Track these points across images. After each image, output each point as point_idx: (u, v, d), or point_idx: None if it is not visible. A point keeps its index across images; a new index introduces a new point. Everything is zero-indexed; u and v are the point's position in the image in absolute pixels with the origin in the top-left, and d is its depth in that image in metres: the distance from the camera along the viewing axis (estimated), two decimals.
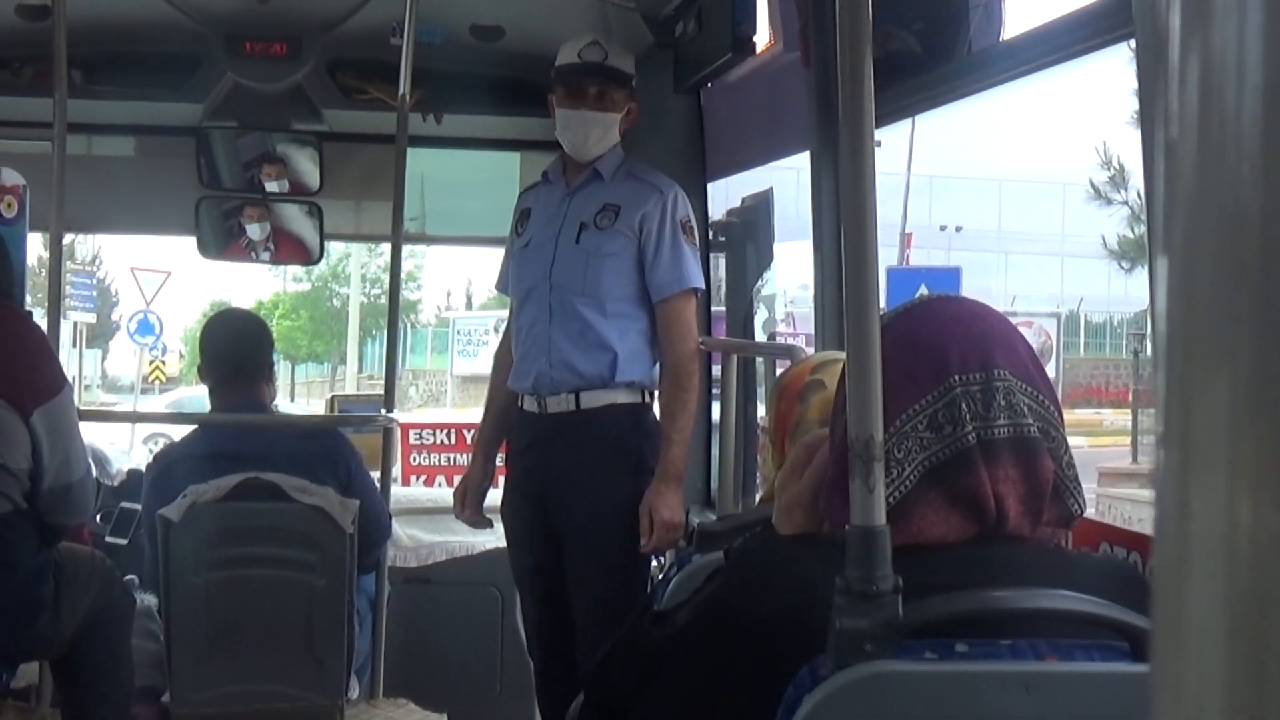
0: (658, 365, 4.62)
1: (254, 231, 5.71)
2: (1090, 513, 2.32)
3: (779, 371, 3.74)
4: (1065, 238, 36.84)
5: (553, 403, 4.55)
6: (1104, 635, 1.74)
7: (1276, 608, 0.46)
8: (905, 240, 30.94)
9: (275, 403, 4.98)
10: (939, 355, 1.87)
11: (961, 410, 1.84)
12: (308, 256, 6.00)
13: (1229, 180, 0.47)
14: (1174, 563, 0.49)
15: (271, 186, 5.68)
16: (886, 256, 27.06)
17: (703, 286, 4.63)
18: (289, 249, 5.84)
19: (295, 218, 5.77)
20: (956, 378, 1.85)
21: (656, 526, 4.40)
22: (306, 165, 5.69)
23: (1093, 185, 22.65)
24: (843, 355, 2.15)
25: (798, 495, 2.02)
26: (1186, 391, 0.49)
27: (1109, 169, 22.34)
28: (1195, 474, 0.48)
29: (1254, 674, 0.46)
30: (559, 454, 4.53)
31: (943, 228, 37.12)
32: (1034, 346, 2.03)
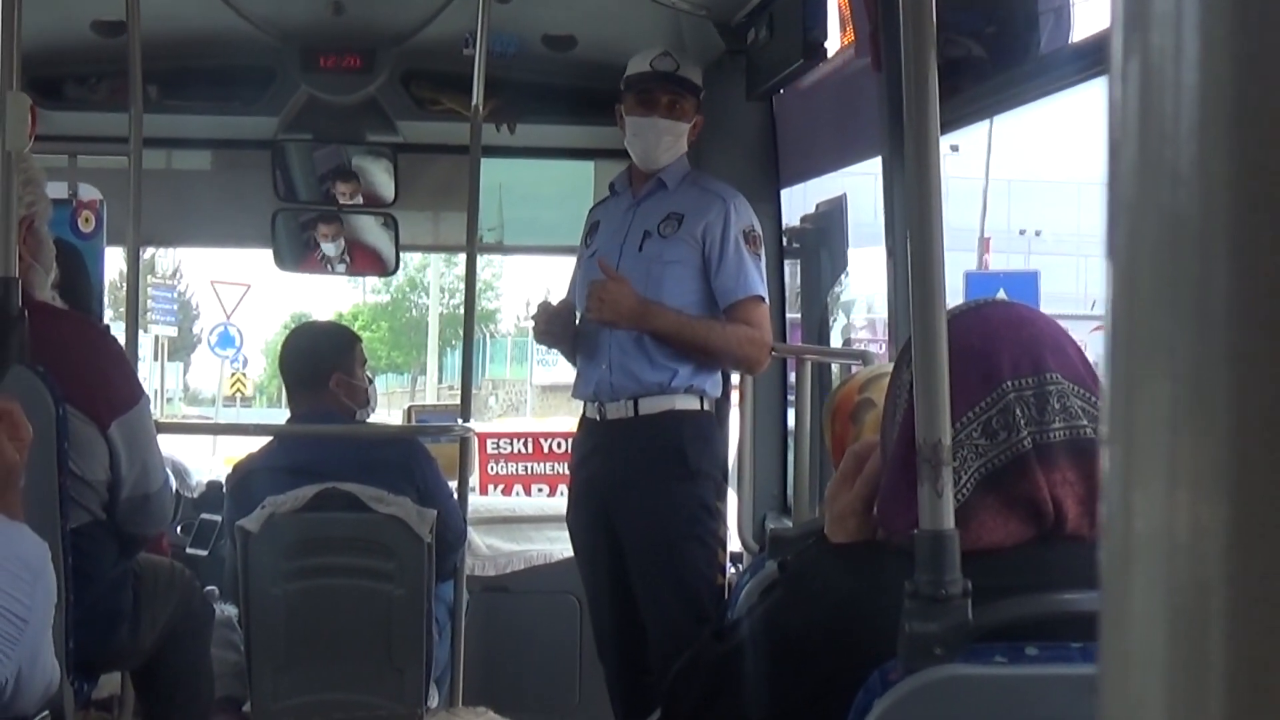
0: (719, 373, 4.62)
1: (330, 249, 5.75)
2: None
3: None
4: None
5: (612, 409, 4.56)
6: None
7: (1214, 602, 0.46)
8: (984, 245, 30.77)
9: (365, 413, 4.99)
10: (990, 361, 1.85)
11: (1015, 415, 1.82)
12: (383, 268, 6.04)
13: (1167, 183, 0.47)
14: (1118, 558, 0.49)
15: (346, 201, 5.72)
16: (965, 261, 26.93)
17: (765, 294, 4.62)
18: (364, 260, 5.88)
19: (371, 229, 5.81)
20: (1009, 383, 1.84)
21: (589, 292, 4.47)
22: (381, 177, 5.72)
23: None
24: (888, 369, 2.14)
25: (850, 504, 2.00)
26: (1130, 392, 0.49)
27: None
28: (1137, 472, 0.49)
29: (1193, 664, 0.47)
30: (618, 462, 4.53)
31: (1021, 232, 36.86)
32: None
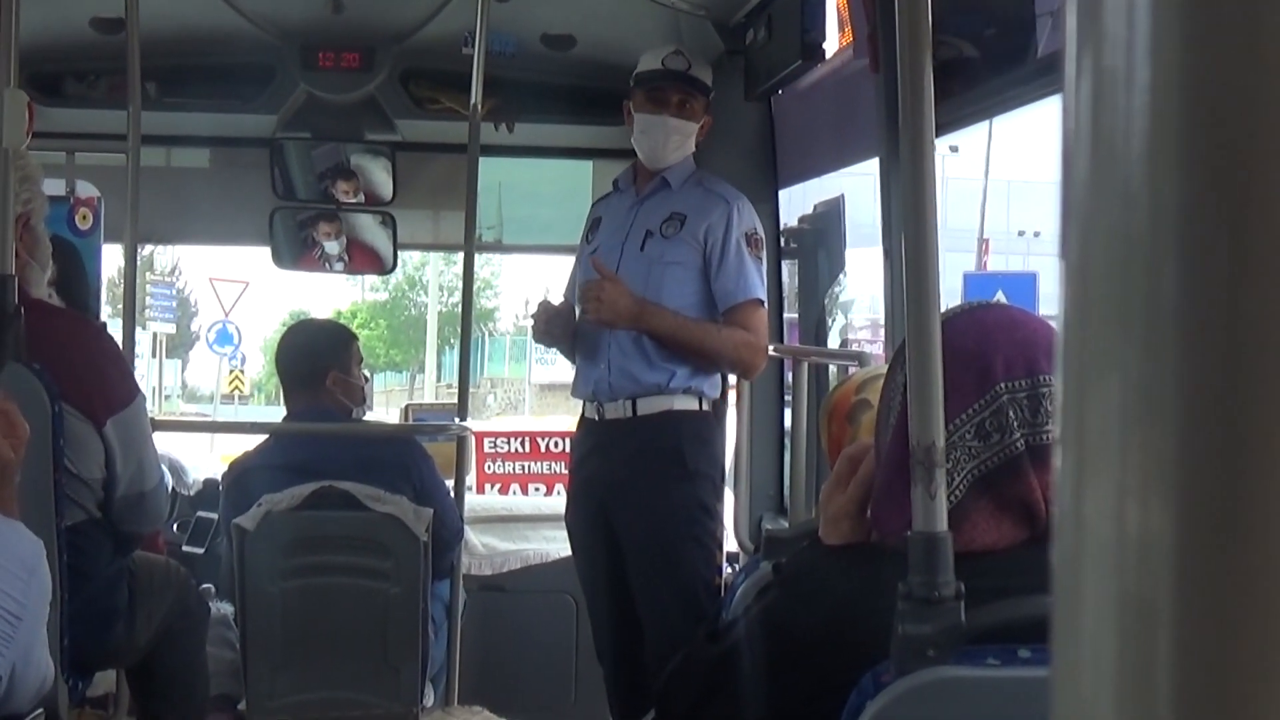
0: (717, 375, 4.62)
1: (331, 247, 5.75)
2: None
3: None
4: None
5: (610, 409, 4.56)
6: None
7: (1163, 604, 0.47)
8: (983, 246, 30.79)
9: (361, 411, 4.99)
10: (984, 363, 1.85)
11: (1009, 417, 1.83)
12: (381, 266, 6.04)
13: (1118, 191, 0.48)
14: (1069, 561, 0.50)
15: (344, 199, 5.72)
16: (964, 262, 26.96)
17: (764, 298, 4.61)
18: (363, 259, 5.88)
19: (369, 227, 5.81)
20: (1003, 385, 1.84)
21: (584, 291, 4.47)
22: (380, 175, 5.72)
23: None
24: (884, 370, 2.13)
25: (844, 505, 2.00)
26: (1081, 396, 0.50)
27: None
28: (1088, 476, 0.49)
29: (1142, 667, 0.47)
30: (616, 462, 4.53)
31: (1020, 233, 36.86)
32: None
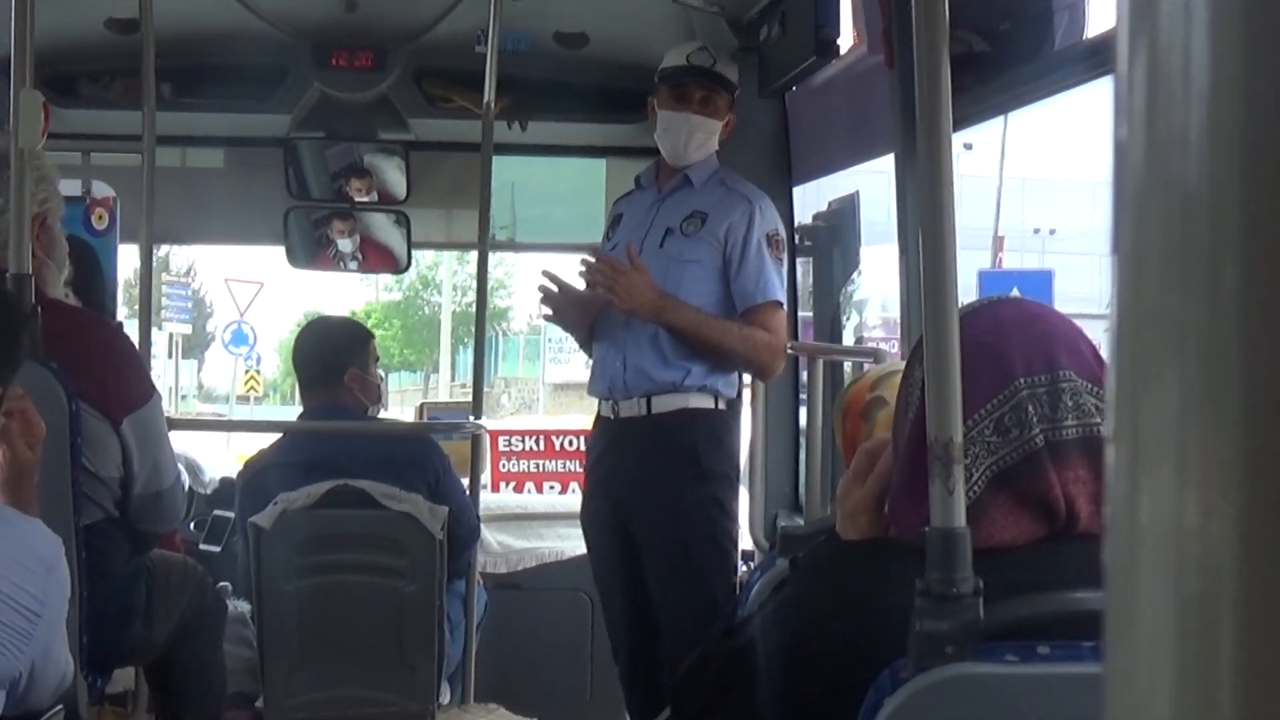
0: (734, 374, 4.60)
1: (345, 245, 5.76)
2: None
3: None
4: None
5: (625, 407, 4.55)
6: None
7: (1224, 596, 0.46)
8: (998, 243, 30.73)
9: (377, 410, 4.99)
10: (1002, 359, 1.85)
11: (1028, 413, 1.82)
12: (395, 265, 6.05)
13: (1177, 188, 0.48)
14: (1124, 557, 0.49)
15: (358, 198, 5.73)
16: (979, 260, 26.90)
17: (784, 300, 4.60)
18: (376, 258, 5.89)
19: (383, 226, 5.81)
20: (1021, 380, 1.84)
21: (611, 266, 4.42)
22: (394, 174, 5.73)
23: None
24: (899, 366, 2.13)
25: (862, 501, 2.00)
26: (1136, 389, 0.49)
27: None
28: (1144, 471, 0.49)
29: (1202, 660, 0.47)
30: (631, 460, 4.52)
31: (1036, 230, 36.79)
32: None
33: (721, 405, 4.56)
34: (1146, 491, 0.48)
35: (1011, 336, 1.88)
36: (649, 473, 4.48)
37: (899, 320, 4.51)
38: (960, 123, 1.74)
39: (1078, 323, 1.99)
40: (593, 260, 4.50)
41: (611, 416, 4.61)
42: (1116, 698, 0.49)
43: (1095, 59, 3.21)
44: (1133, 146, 0.49)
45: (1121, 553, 0.50)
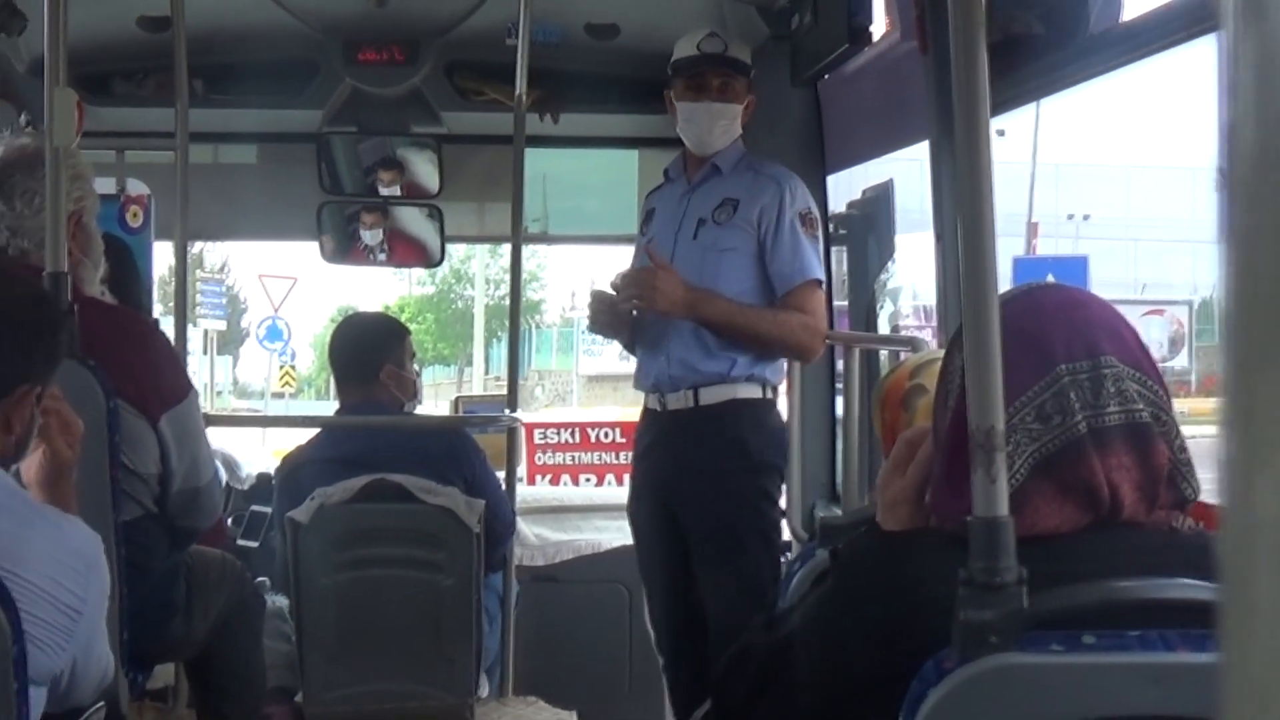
0: (781, 361, 4.59)
1: (369, 237, 5.76)
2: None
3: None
4: (1196, 224, 36.21)
5: (672, 399, 4.54)
6: None
7: None
8: (1032, 230, 30.62)
9: (413, 405, 5.00)
10: (1044, 345, 1.84)
11: (1070, 400, 1.81)
12: (428, 259, 6.05)
13: None
14: (1239, 546, 0.49)
15: (389, 191, 5.73)
16: (1013, 246, 26.81)
17: (824, 278, 4.59)
18: (409, 252, 5.89)
19: (416, 220, 5.81)
20: (1064, 367, 1.82)
21: (636, 278, 4.43)
22: (426, 168, 5.72)
23: (1221, 172, 22.25)
24: (939, 354, 2.11)
25: (902, 491, 1.99)
26: (1250, 376, 0.48)
27: None
28: (1259, 462, 0.48)
29: None
30: (679, 453, 4.51)
31: (1069, 216, 36.65)
32: (1167, 335, 1.99)
33: (770, 394, 4.55)
34: (1262, 482, 0.47)
35: (1052, 323, 1.86)
36: (697, 465, 4.47)
37: (929, 307, 4.50)
38: (996, 109, 1.73)
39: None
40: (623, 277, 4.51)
41: (659, 409, 4.60)
42: (1234, 691, 0.48)
43: (1133, 42, 3.19)
44: (1244, 127, 0.48)
45: (1236, 544, 0.49)
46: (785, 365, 4.64)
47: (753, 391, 4.51)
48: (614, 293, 4.56)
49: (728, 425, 4.47)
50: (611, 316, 4.65)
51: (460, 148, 6.03)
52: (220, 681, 4.07)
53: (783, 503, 4.71)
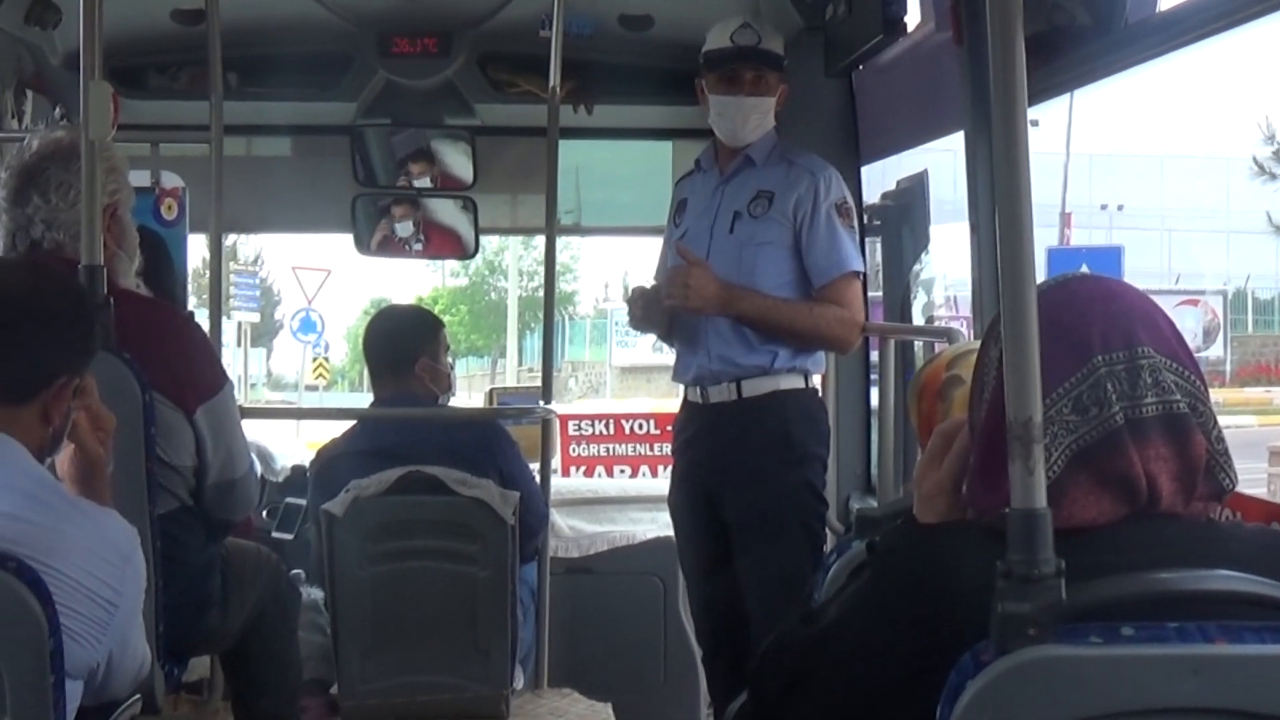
0: (822, 352, 4.57)
1: (403, 229, 5.77)
2: (1262, 492, 2.25)
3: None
4: (1230, 214, 36.06)
5: (714, 392, 4.53)
6: (1274, 616, 1.69)
7: None
8: (1065, 220, 30.54)
9: (447, 397, 5.00)
10: (1080, 336, 1.83)
11: (1107, 391, 1.80)
12: (463, 250, 6.05)
13: None
14: None
15: (422, 183, 5.73)
16: (1046, 237, 26.74)
17: (862, 269, 4.57)
18: (444, 243, 5.90)
19: (450, 212, 5.82)
20: (1100, 358, 1.81)
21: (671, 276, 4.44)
22: (460, 160, 5.73)
23: (1256, 161, 22.15)
24: (975, 346, 2.10)
25: (939, 483, 1.98)
26: None
27: (1274, 143, 21.84)
28: None
29: None
30: (722, 445, 4.50)
31: (1103, 206, 36.56)
32: (1201, 324, 1.98)
33: (813, 384, 4.54)
34: None
35: (1088, 313, 1.85)
36: (740, 457, 4.45)
37: (960, 298, 4.48)
38: (1031, 99, 1.72)
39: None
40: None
41: (700, 401, 4.58)
42: None
43: (1170, 32, 3.16)
44: None
45: None
46: (823, 355, 4.62)
47: (795, 382, 4.49)
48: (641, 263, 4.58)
49: (771, 417, 4.45)
50: (651, 312, 4.63)
51: (494, 140, 6.03)
52: (255, 674, 4.08)
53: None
